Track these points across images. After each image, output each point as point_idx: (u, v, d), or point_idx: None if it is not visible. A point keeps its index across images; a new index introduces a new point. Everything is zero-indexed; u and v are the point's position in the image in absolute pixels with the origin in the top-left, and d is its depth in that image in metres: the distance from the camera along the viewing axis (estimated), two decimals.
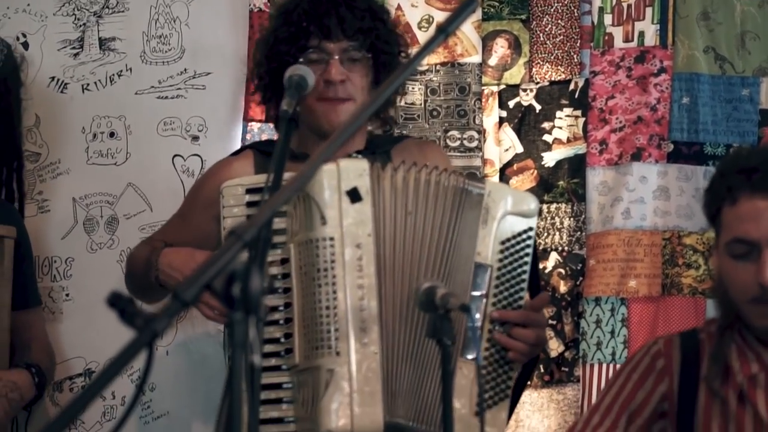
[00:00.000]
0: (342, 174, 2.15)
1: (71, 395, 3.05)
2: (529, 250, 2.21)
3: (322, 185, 2.14)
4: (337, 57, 2.35)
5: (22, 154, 2.92)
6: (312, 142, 2.40)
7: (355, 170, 2.16)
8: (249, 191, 2.22)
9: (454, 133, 3.11)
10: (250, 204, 2.21)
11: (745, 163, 2.03)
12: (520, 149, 3.09)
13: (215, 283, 1.43)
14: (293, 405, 2.13)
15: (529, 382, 2.53)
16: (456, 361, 2.15)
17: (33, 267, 2.87)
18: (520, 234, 2.21)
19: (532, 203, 2.23)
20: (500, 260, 2.18)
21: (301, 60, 2.38)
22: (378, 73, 2.41)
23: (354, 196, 2.16)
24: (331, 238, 2.12)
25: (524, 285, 2.19)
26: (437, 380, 2.14)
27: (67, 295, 3.09)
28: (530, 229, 2.21)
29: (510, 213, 2.20)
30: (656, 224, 2.98)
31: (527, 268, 2.20)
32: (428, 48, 1.76)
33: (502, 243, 2.19)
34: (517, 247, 2.21)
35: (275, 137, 2.69)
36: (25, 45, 3.19)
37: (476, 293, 2.17)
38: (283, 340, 2.15)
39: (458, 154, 3.10)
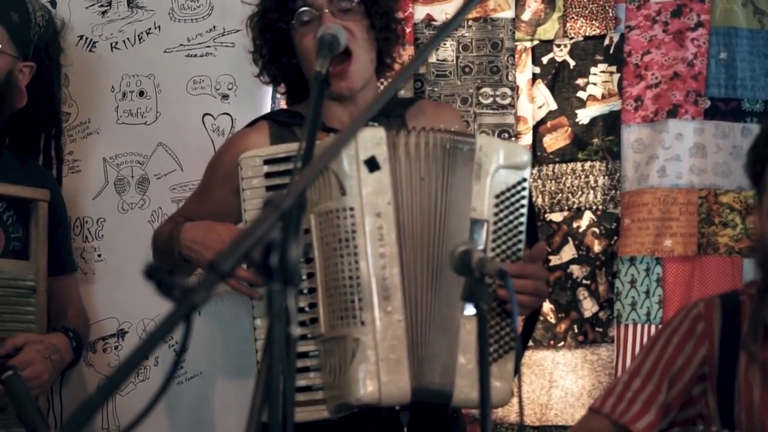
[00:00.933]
0: (359, 143, 2.16)
1: (104, 356, 3.06)
2: (525, 202, 2.21)
3: (339, 155, 2.13)
4: (327, 10, 2.35)
5: (60, 121, 2.91)
6: (326, 106, 2.38)
7: (372, 139, 2.16)
8: (267, 162, 2.24)
9: (487, 90, 3.07)
10: (268, 175, 2.23)
11: None
12: (553, 106, 3.05)
13: (253, 254, 1.42)
14: (320, 373, 2.15)
15: (533, 336, 2.52)
16: (468, 318, 2.15)
17: (69, 233, 2.87)
18: (514, 186, 2.21)
19: (524, 155, 2.23)
20: (496, 214, 2.19)
21: (294, 24, 2.39)
22: (372, 19, 2.40)
23: (372, 165, 2.17)
24: (351, 208, 2.13)
25: (522, 237, 2.20)
26: (457, 339, 2.15)
27: (99, 255, 3.09)
28: (524, 180, 2.21)
29: (503, 166, 2.20)
30: (692, 182, 2.93)
31: (524, 220, 2.20)
32: (464, 12, 1.73)
33: (497, 197, 2.19)
34: (512, 200, 2.21)
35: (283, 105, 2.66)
36: (53, 3, 3.16)
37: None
38: (307, 309, 2.17)
39: (491, 111, 3.06)
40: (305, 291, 2.16)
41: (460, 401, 2.16)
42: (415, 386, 2.11)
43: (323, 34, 2.22)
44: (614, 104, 3.01)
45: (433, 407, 2.18)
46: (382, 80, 2.53)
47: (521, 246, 2.20)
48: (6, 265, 2.58)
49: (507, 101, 3.05)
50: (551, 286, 2.90)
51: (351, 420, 2.18)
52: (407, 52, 3.06)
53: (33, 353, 2.47)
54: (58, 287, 2.74)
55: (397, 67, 2.51)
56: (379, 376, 2.09)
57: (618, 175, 2.98)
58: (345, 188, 2.13)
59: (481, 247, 2.16)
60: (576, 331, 2.95)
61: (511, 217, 2.19)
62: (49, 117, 2.83)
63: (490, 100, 3.06)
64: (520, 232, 2.20)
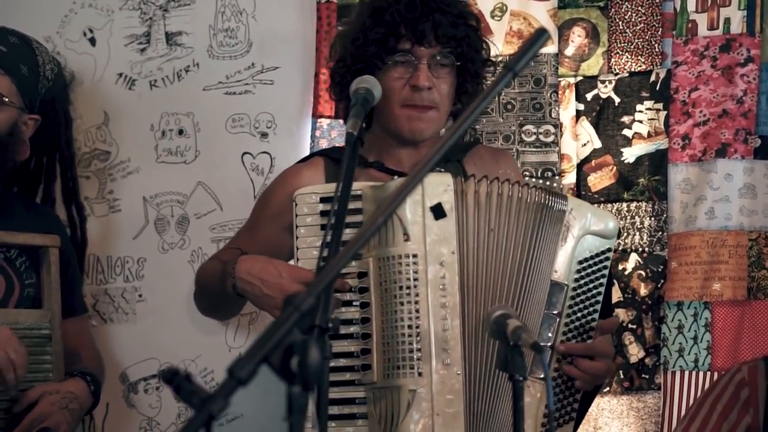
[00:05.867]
0: (426, 189, 2.10)
1: (146, 396, 3.06)
2: (606, 272, 2.17)
3: (404, 200, 2.07)
4: (425, 62, 2.27)
5: (74, 171, 2.89)
6: (389, 147, 2.32)
7: (440, 185, 2.11)
8: (323, 200, 2.17)
9: (530, 127, 3.00)
10: (324, 213, 2.17)
11: None
12: (598, 144, 2.98)
13: (272, 357, 1.39)
14: (367, 421, 2.10)
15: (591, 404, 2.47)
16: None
17: (78, 275, 2.84)
18: (598, 255, 2.17)
19: (611, 223, 2.18)
20: (576, 280, 2.15)
21: (388, 62, 2.29)
22: (462, 81, 2.33)
23: (438, 212, 2.12)
24: (415, 255, 2.08)
25: (598, 307, 2.16)
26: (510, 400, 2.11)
27: (140, 295, 3.08)
28: (609, 250, 2.17)
29: (590, 232, 2.16)
30: (742, 224, 2.85)
31: (602, 290, 2.16)
32: (495, 89, 1.67)
33: (580, 263, 2.15)
34: (594, 268, 2.17)
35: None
36: (92, 41, 3.16)
37: (550, 312, 2.13)
38: (359, 354, 2.11)
39: (533, 149, 2.99)
40: (358, 336, 2.11)
41: None
42: None
43: (357, 88, 2.16)
44: (661, 142, 2.93)
45: None
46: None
47: (596, 316, 2.16)
48: (21, 315, 2.57)
49: (550, 139, 2.99)
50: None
51: None
52: None
53: (48, 405, 2.46)
54: (71, 330, 2.71)
55: None
56: (434, 431, 2.04)
57: (665, 216, 2.90)
58: (409, 234, 2.08)
59: (557, 311, 2.13)
60: (622, 376, 2.88)
61: (590, 285, 2.16)
62: (50, 168, 2.82)
63: (533, 137, 3.00)
64: (597, 302, 2.16)
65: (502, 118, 3.02)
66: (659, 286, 2.89)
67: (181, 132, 3.12)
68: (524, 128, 3.01)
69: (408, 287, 2.07)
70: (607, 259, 2.16)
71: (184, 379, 1.35)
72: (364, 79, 2.22)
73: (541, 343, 2.12)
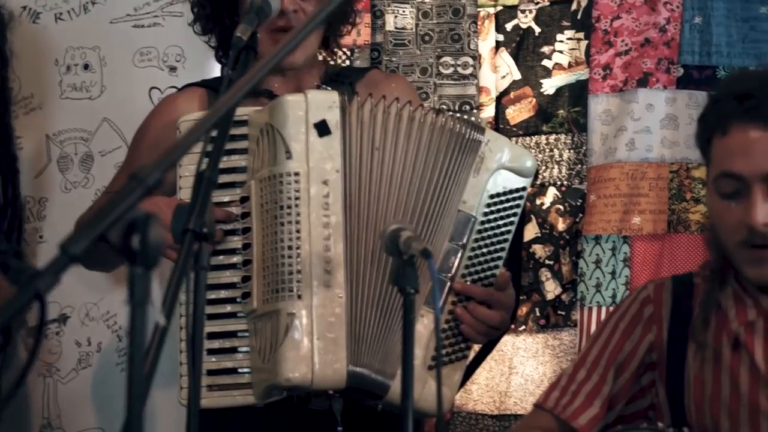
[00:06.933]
0: (310, 105, 2.01)
1: (46, 342, 2.92)
2: (519, 210, 2.07)
3: (287, 116, 2.00)
4: None
5: (10, 122, 2.80)
6: (266, 76, 2.23)
7: (324, 102, 2.03)
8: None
9: (448, 59, 2.90)
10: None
11: (739, 88, 1.80)
12: (517, 76, 2.88)
13: (111, 234, 1.28)
14: (250, 354, 2.00)
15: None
16: (419, 308, 2.00)
17: None
18: (512, 191, 2.08)
19: (529, 161, 2.09)
20: (485, 214, 2.05)
21: None
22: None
23: (322, 129, 2.03)
24: (296, 173, 1.99)
25: (506, 245, 2.06)
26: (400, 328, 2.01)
27: (41, 236, 2.95)
28: (524, 189, 2.08)
29: (505, 168, 2.06)
30: (663, 156, 2.75)
31: (513, 228, 2.07)
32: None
33: (492, 197, 2.06)
34: (507, 205, 2.07)
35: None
36: None
37: (455, 243, 2.03)
38: (240, 284, 2.02)
39: (452, 81, 2.89)
40: (239, 265, 2.01)
41: (395, 398, 1.99)
42: (351, 370, 1.96)
43: None
44: (581, 73, 2.83)
45: (365, 399, 2.03)
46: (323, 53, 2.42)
47: (503, 254, 2.06)
48: None
49: (468, 71, 2.88)
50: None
51: (280, 410, 2.03)
52: (364, 21, 2.90)
53: None
54: None
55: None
56: (313, 356, 1.93)
57: (584, 148, 2.81)
58: (291, 152, 1.99)
59: (462, 242, 2.03)
60: (538, 314, 2.79)
61: (500, 222, 2.06)
62: None
63: (451, 70, 2.89)
64: (506, 240, 2.06)
65: (419, 50, 2.91)
66: (577, 220, 2.79)
67: (86, 67, 3.00)
68: (442, 60, 2.90)
69: (289, 207, 1.97)
70: (521, 197, 2.07)
71: (11, 256, 1.24)
72: None
73: (442, 274, 2.03)
